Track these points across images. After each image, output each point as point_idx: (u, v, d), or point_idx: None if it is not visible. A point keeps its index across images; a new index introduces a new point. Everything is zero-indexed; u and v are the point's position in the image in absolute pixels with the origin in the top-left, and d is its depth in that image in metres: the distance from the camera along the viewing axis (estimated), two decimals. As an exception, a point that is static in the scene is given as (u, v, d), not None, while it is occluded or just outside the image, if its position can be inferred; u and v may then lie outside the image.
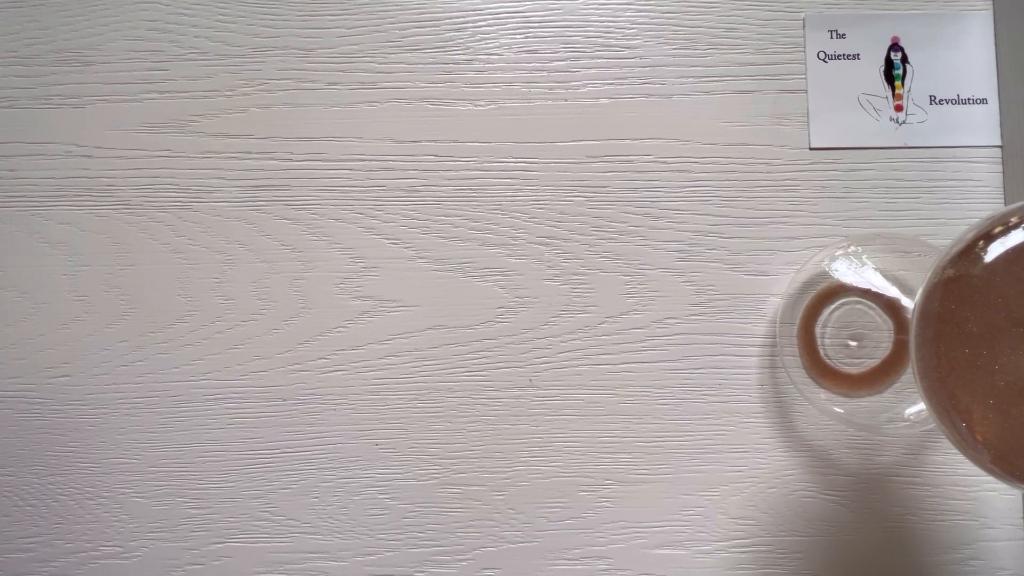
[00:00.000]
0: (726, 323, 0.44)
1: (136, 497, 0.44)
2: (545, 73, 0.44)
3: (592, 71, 0.44)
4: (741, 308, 0.44)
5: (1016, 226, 0.30)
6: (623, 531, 0.43)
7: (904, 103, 0.44)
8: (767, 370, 0.43)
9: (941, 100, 0.44)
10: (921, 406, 0.41)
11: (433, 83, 0.44)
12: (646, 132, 0.44)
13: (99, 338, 0.44)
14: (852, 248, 0.43)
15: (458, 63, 0.44)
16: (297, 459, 0.44)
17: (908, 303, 0.42)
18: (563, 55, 0.44)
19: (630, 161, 0.44)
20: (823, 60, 0.44)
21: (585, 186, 0.44)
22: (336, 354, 0.44)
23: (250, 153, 0.44)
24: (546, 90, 0.44)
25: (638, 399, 0.43)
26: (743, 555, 0.43)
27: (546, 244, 0.44)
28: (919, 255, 0.42)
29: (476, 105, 0.44)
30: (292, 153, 0.44)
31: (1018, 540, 0.43)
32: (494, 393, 0.44)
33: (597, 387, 0.43)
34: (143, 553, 0.43)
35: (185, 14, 0.45)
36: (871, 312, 0.43)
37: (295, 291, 0.44)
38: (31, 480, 0.44)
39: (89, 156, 0.44)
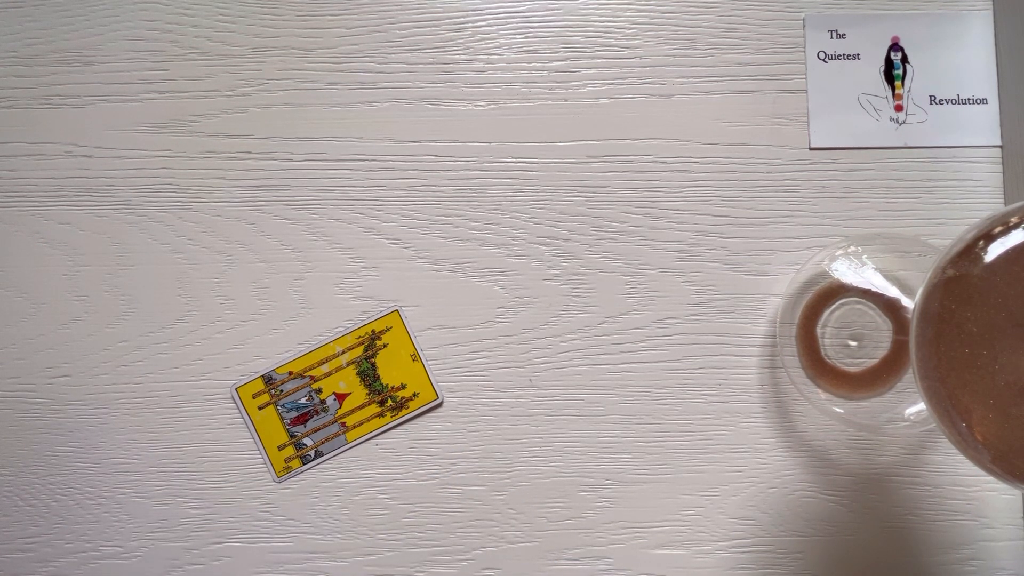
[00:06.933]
0: (726, 323, 0.44)
1: (136, 497, 0.44)
2: (545, 73, 0.44)
3: (592, 71, 0.44)
4: (741, 308, 0.44)
5: (1016, 226, 0.30)
6: (623, 531, 0.43)
7: (904, 103, 0.44)
8: (767, 370, 0.43)
9: (941, 100, 0.44)
10: (921, 406, 0.41)
11: (433, 83, 0.44)
12: (646, 132, 0.44)
13: (99, 338, 0.44)
14: (852, 248, 0.43)
15: (458, 63, 0.44)
16: (297, 459, 0.44)
17: (908, 303, 0.42)
18: (563, 55, 0.44)
19: (630, 161, 0.44)
20: (823, 60, 0.44)
21: (585, 186, 0.44)
22: (336, 354, 0.44)
23: (250, 153, 0.44)
24: (546, 90, 0.44)
25: (638, 399, 0.43)
26: (743, 555, 0.43)
27: (546, 244, 0.44)
28: (919, 255, 0.42)
29: (476, 105, 0.44)
30: (292, 153, 0.44)
31: (1018, 540, 0.43)
32: (494, 393, 0.44)
33: (597, 387, 0.43)
34: (143, 553, 0.43)
35: (185, 14, 0.45)
36: (871, 312, 0.43)
37: (295, 291, 0.44)
38: (31, 480, 0.44)
39: (89, 156, 0.44)
